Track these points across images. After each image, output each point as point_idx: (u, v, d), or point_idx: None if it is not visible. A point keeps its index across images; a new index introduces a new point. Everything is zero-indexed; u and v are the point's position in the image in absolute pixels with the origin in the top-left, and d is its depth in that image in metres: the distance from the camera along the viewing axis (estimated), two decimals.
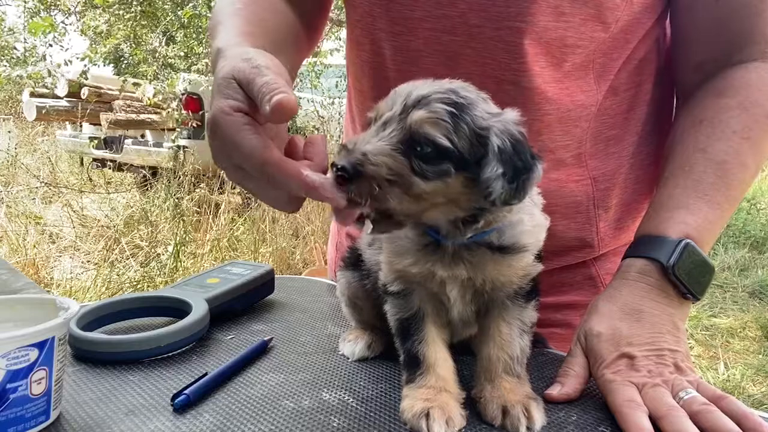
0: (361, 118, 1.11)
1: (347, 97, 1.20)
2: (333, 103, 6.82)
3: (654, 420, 0.66)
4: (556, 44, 0.88)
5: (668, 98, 1.06)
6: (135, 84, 6.89)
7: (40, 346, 0.64)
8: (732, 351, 3.97)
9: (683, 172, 0.88)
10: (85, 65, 6.91)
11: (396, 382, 0.79)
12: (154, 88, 6.47)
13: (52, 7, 8.29)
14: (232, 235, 5.09)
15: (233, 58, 0.71)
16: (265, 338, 0.91)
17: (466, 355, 0.83)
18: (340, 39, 7.83)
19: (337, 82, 6.99)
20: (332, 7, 1.20)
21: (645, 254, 0.83)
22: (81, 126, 7.41)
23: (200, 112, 6.12)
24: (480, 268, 0.70)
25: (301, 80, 7.36)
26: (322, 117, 6.68)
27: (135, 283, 4.09)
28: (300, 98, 6.29)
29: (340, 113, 6.61)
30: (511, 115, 0.65)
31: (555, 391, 0.75)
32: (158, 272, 4.24)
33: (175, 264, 4.35)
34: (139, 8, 7.73)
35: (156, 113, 6.64)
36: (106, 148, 6.87)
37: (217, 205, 5.40)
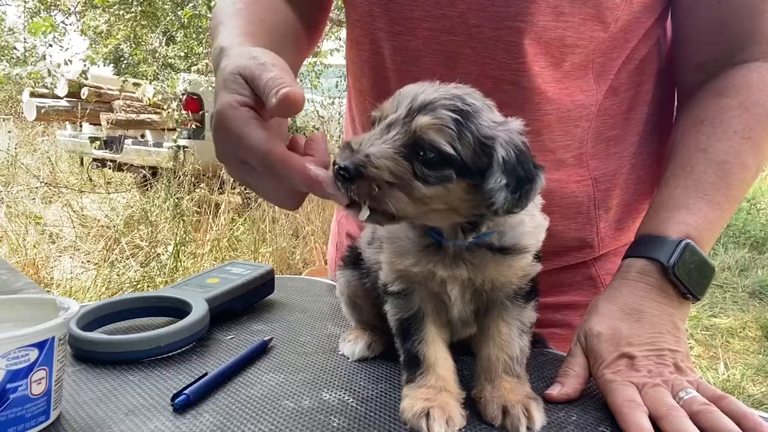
0: (361, 118, 1.11)
1: (347, 97, 1.20)
2: (333, 103, 6.82)
3: (654, 420, 0.66)
4: (556, 44, 0.88)
5: (669, 98, 1.06)
6: (135, 84, 6.89)
7: (40, 346, 0.64)
8: (732, 351, 3.97)
9: (684, 172, 0.88)
10: (85, 65, 6.91)
11: (396, 382, 0.79)
12: (154, 88, 6.47)
13: (52, 7, 8.29)
14: (232, 235, 5.09)
15: (238, 56, 0.71)
16: (265, 338, 0.91)
17: (466, 355, 0.83)
18: (340, 39, 7.84)
19: (337, 82, 7.00)
20: (332, 7, 1.20)
21: (645, 254, 0.83)
22: (81, 126, 7.41)
23: (200, 112, 6.12)
24: (481, 269, 0.70)
25: (301, 80, 7.36)
26: (322, 117, 6.68)
27: (135, 283, 4.09)
28: None
29: (340, 113, 6.62)
30: (515, 124, 0.65)
31: (555, 391, 0.75)
32: (158, 272, 4.24)
33: (175, 264, 4.35)
34: (139, 8, 7.73)
35: (156, 113, 6.64)
36: (106, 148, 6.87)
37: (217, 205, 5.40)
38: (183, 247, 4.58)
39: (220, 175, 5.62)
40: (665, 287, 0.80)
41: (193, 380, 0.75)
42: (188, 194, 5.58)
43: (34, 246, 4.55)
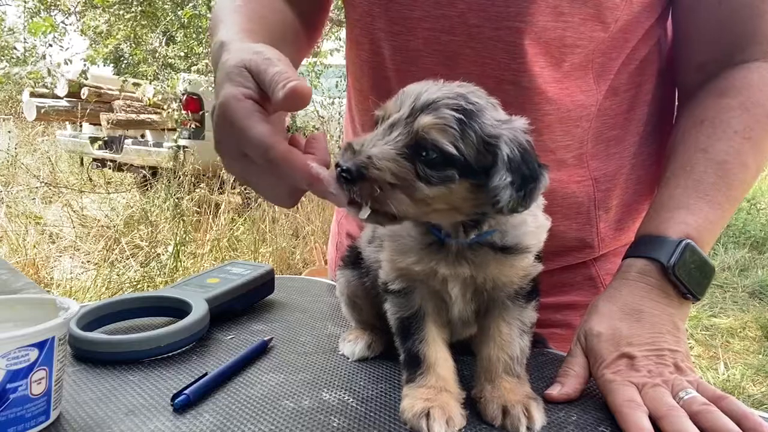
0: (361, 118, 1.11)
1: (347, 97, 1.20)
2: (333, 103, 6.82)
3: (654, 420, 0.66)
4: (555, 44, 0.88)
5: (669, 98, 1.06)
6: (135, 84, 6.89)
7: (40, 346, 0.64)
8: (732, 351, 3.97)
9: (684, 172, 0.88)
10: (85, 65, 6.91)
11: (396, 382, 0.79)
12: (155, 88, 6.47)
13: (52, 7, 8.29)
14: (232, 235, 5.09)
15: (240, 51, 0.70)
16: (265, 338, 0.91)
17: (466, 355, 0.82)
18: (340, 39, 7.84)
19: (337, 82, 6.99)
20: (332, 7, 1.20)
21: (645, 254, 0.83)
22: (81, 126, 7.41)
23: (200, 112, 6.12)
24: (483, 268, 0.70)
25: None
26: (322, 117, 6.68)
27: (135, 283, 4.09)
28: None
29: (340, 113, 6.61)
30: (520, 122, 0.65)
31: (555, 391, 0.75)
32: (158, 272, 4.24)
33: (175, 264, 4.35)
34: (139, 8, 7.73)
35: (156, 113, 6.64)
36: (106, 148, 6.87)
37: (217, 205, 5.40)
38: (183, 247, 4.58)
39: (220, 175, 5.62)
40: (665, 287, 0.80)
41: (193, 380, 0.75)
42: (188, 194, 5.58)
43: (34, 246, 4.55)
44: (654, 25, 0.96)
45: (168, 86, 6.37)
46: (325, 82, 7.37)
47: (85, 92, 6.81)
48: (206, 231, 4.99)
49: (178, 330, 0.87)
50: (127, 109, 6.85)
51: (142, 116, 6.78)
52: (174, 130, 6.36)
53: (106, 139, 6.84)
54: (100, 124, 6.80)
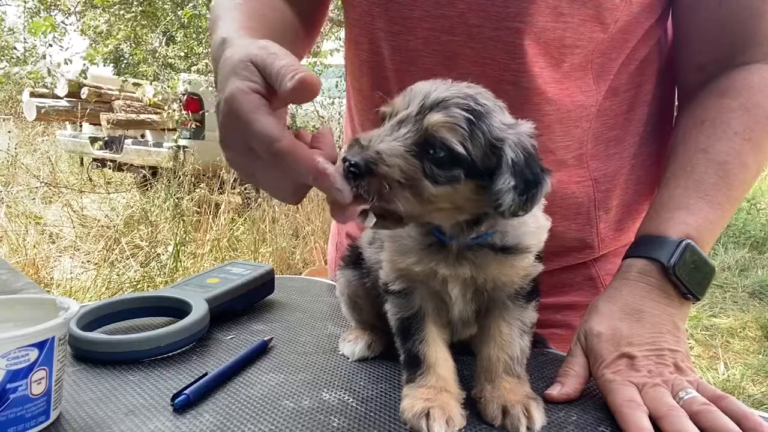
0: (360, 118, 1.11)
1: (346, 97, 1.20)
2: (333, 103, 6.82)
3: (654, 420, 0.66)
4: (555, 44, 0.88)
5: (669, 99, 1.06)
6: (135, 84, 6.89)
7: (40, 346, 0.64)
8: (732, 351, 3.97)
9: (684, 173, 0.88)
10: (84, 65, 6.91)
11: (396, 382, 0.79)
12: (155, 88, 6.47)
13: (52, 7, 8.29)
14: (232, 235, 5.09)
15: (245, 46, 0.70)
16: (265, 338, 0.91)
17: (466, 355, 0.82)
18: (339, 39, 7.84)
19: (337, 82, 6.99)
20: (332, 7, 1.20)
21: (645, 254, 0.83)
22: (81, 126, 7.41)
23: (200, 112, 6.12)
24: (483, 268, 0.70)
25: None
26: (322, 117, 6.68)
27: (135, 283, 4.09)
28: None
29: (340, 113, 6.61)
30: (526, 127, 0.65)
31: (555, 391, 0.75)
32: (158, 272, 4.24)
33: (175, 264, 4.35)
34: (139, 8, 7.73)
35: (156, 113, 6.64)
36: (106, 148, 6.87)
37: (217, 205, 5.40)
38: (183, 247, 4.58)
39: (220, 175, 5.62)
40: (665, 287, 0.80)
41: (193, 380, 0.75)
42: (188, 194, 5.58)
43: (34, 246, 4.55)
44: (654, 25, 0.96)
45: (169, 87, 6.37)
46: (325, 82, 7.33)
47: (85, 92, 6.81)
48: (206, 231, 4.99)
49: (178, 330, 0.87)
50: (127, 109, 6.86)
51: (142, 116, 6.78)
52: (174, 130, 6.36)
53: (106, 139, 6.84)
54: (100, 124, 6.81)
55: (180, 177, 5.64)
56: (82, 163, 7.59)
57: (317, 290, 1.26)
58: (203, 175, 5.95)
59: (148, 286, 4.05)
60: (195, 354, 0.88)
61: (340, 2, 1.08)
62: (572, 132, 0.95)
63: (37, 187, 5.88)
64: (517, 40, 0.87)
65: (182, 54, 8.37)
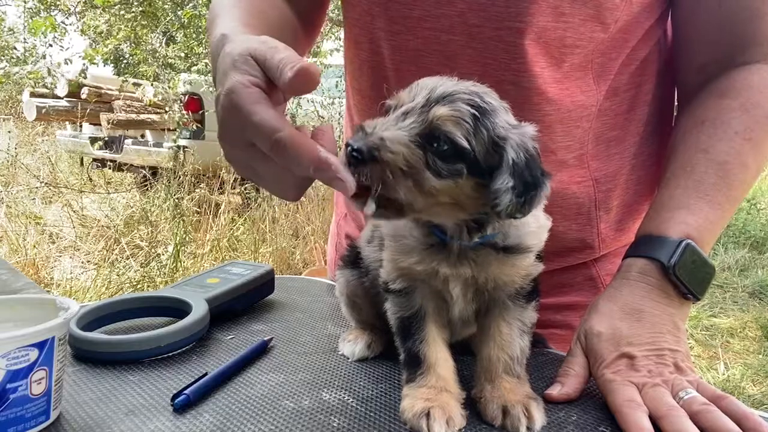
0: (360, 118, 1.11)
1: (346, 97, 1.20)
2: (333, 103, 6.82)
3: (654, 420, 0.66)
4: (555, 44, 0.88)
5: (669, 98, 1.06)
6: (135, 84, 6.89)
7: (40, 346, 0.64)
8: (732, 351, 3.97)
9: (684, 173, 0.88)
10: (84, 65, 6.91)
11: (396, 382, 0.79)
12: (155, 89, 6.47)
13: (52, 7, 8.29)
14: (232, 235, 5.09)
15: (246, 41, 0.69)
16: (265, 338, 0.91)
17: (466, 355, 0.83)
18: (339, 39, 7.84)
19: (337, 82, 6.99)
20: (332, 7, 1.20)
21: (646, 254, 0.83)
22: (81, 126, 7.41)
23: (200, 112, 6.12)
24: (484, 268, 0.70)
25: None
26: (322, 117, 6.68)
27: (135, 283, 4.09)
28: (300, 98, 6.30)
29: (340, 113, 6.62)
30: (529, 129, 0.65)
31: (555, 391, 0.75)
32: (158, 272, 4.24)
33: (175, 264, 4.36)
34: (139, 8, 7.73)
35: (156, 113, 6.64)
36: (106, 148, 6.88)
37: (217, 205, 5.40)
38: (183, 247, 4.58)
39: (220, 175, 5.63)
40: (666, 287, 0.80)
41: (193, 380, 0.75)
42: (188, 194, 5.58)
43: (34, 246, 4.55)
44: (654, 25, 0.96)
45: (169, 87, 6.37)
46: (325, 82, 7.36)
47: (85, 92, 6.81)
48: (206, 231, 4.99)
49: (178, 330, 0.87)
50: (127, 109, 6.86)
51: (142, 116, 6.79)
52: (174, 130, 6.36)
53: (106, 139, 6.84)
54: (100, 124, 6.81)
55: (180, 177, 5.64)
56: (82, 163, 7.59)
57: (317, 290, 1.26)
58: (203, 175, 5.95)
59: (148, 286, 4.05)
60: (195, 354, 0.88)
61: (339, 2, 1.08)
62: (573, 132, 0.95)
63: (37, 187, 5.88)
64: (518, 40, 0.87)
65: (182, 54, 8.38)
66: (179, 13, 7.70)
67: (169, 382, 0.78)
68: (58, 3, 8.17)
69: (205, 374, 0.77)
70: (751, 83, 0.90)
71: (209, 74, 6.56)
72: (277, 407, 0.72)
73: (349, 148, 0.61)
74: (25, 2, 8.83)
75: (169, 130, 6.47)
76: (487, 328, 0.74)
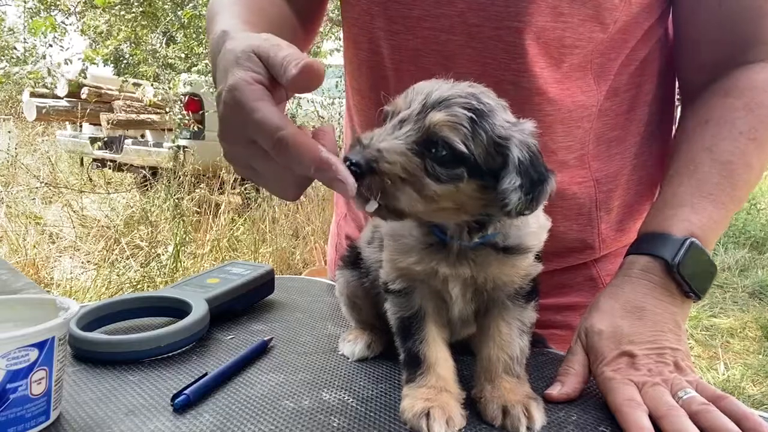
0: (359, 118, 1.11)
1: (345, 97, 1.20)
2: (333, 103, 6.82)
3: (654, 419, 0.66)
4: (555, 44, 0.88)
5: (670, 98, 1.06)
6: (135, 84, 6.90)
7: (40, 346, 0.64)
8: (732, 351, 3.97)
9: (688, 171, 0.87)
10: (84, 65, 6.91)
11: (396, 382, 0.79)
12: (155, 89, 6.48)
13: (52, 7, 8.29)
14: (232, 235, 5.09)
15: (248, 38, 0.69)
16: (265, 338, 0.91)
17: (466, 355, 0.82)
18: (339, 39, 7.84)
19: (337, 82, 6.98)
20: (332, 7, 1.21)
21: (649, 251, 0.83)
22: (81, 126, 7.41)
23: (200, 112, 6.12)
24: (484, 268, 0.70)
25: None
26: (322, 117, 6.68)
27: (135, 284, 4.09)
28: (300, 98, 6.29)
29: (340, 113, 6.61)
30: (528, 125, 0.65)
31: (555, 390, 0.75)
32: (158, 272, 4.24)
33: (175, 264, 4.35)
34: (139, 9, 7.73)
35: (156, 113, 6.65)
36: (106, 149, 6.88)
37: (217, 205, 5.40)
38: (183, 248, 4.58)
39: (220, 175, 5.62)
40: (668, 285, 0.80)
41: (193, 380, 0.75)
42: (188, 194, 5.58)
43: (34, 246, 4.55)
44: (654, 25, 0.96)
45: (169, 87, 6.37)
46: (325, 83, 7.28)
47: (85, 92, 6.81)
48: (206, 231, 4.99)
49: (178, 330, 0.87)
50: (127, 109, 6.86)
51: (142, 116, 6.79)
52: (174, 130, 6.36)
53: (106, 139, 6.84)
54: (100, 124, 6.81)
55: (180, 177, 5.64)
56: (82, 163, 7.59)
57: (317, 290, 1.26)
58: (203, 176, 5.95)
59: (148, 287, 4.05)
60: (195, 354, 0.88)
61: (338, 1, 1.08)
62: (574, 132, 0.95)
63: (37, 188, 5.88)
64: (518, 40, 0.87)
65: (182, 54, 8.38)
66: (179, 13, 7.70)
67: (169, 382, 0.78)
68: (58, 3, 8.17)
69: (205, 374, 0.77)
70: (754, 83, 0.90)
71: (209, 75, 6.56)
72: (277, 407, 0.72)
73: (348, 163, 0.61)
74: (25, 2, 8.83)
75: (169, 130, 6.47)
76: (486, 328, 0.74)
